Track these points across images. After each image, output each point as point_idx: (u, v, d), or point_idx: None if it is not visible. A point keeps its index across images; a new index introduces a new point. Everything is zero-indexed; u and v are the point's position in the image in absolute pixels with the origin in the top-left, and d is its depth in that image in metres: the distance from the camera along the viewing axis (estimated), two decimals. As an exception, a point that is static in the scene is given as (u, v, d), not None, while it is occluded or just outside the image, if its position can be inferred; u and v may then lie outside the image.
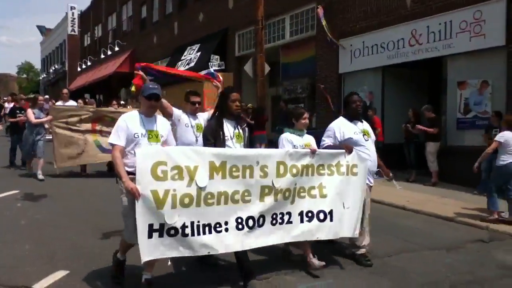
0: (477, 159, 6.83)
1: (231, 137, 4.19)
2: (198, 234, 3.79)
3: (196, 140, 4.96)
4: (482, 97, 9.20)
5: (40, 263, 4.57)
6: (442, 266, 4.82)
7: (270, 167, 4.14)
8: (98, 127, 9.88)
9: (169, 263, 4.38)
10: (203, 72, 6.41)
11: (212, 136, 4.16)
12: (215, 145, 4.09)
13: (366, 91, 11.71)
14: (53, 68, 44.67)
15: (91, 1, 35.52)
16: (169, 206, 3.66)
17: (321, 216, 4.42)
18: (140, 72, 5.15)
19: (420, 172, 10.11)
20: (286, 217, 4.26)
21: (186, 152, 3.87)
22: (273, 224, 4.21)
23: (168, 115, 4.98)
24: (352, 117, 4.91)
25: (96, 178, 10.05)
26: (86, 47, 37.01)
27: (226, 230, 3.92)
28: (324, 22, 12.29)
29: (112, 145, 3.84)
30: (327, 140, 4.84)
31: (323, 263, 4.36)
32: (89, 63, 33.84)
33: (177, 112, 5.14)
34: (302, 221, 4.34)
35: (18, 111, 11.00)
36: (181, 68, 17.64)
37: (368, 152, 4.76)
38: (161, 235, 3.66)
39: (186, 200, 3.75)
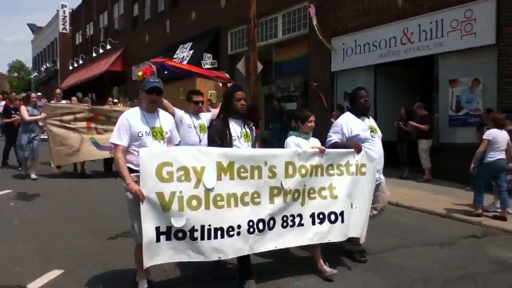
0: (470, 156, 6.89)
1: (238, 136, 4.03)
2: (209, 238, 3.63)
3: (200, 141, 4.90)
4: (474, 95, 9.29)
5: (35, 263, 4.55)
6: (435, 262, 4.86)
7: (278, 167, 4.01)
8: (93, 125, 9.81)
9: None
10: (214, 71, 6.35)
11: (219, 137, 3.99)
12: (222, 146, 3.92)
13: (359, 90, 11.74)
14: (45, 67, 44.30)
15: (82, -1, 35.32)
16: (176, 209, 3.52)
17: (332, 217, 4.30)
18: (153, 66, 5.05)
19: (413, 169, 10.17)
20: (297, 220, 4.13)
21: (192, 153, 3.71)
22: (284, 227, 4.07)
23: None
24: (360, 113, 4.75)
25: (91, 179, 10.02)
26: (78, 46, 36.64)
27: (238, 234, 3.75)
28: (315, 22, 12.30)
29: (115, 145, 3.64)
30: (334, 136, 4.66)
31: (336, 271, 4.27)
32: (81, 62, 33.51)
33: (179, 112, 5.00)
34: (313, 223, 4.21)
35: (13, 112, 10.76)
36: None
37: (374, 149, 4.62)
38: (168, 238, 3.53)
39: (194, 202, 3.60)
